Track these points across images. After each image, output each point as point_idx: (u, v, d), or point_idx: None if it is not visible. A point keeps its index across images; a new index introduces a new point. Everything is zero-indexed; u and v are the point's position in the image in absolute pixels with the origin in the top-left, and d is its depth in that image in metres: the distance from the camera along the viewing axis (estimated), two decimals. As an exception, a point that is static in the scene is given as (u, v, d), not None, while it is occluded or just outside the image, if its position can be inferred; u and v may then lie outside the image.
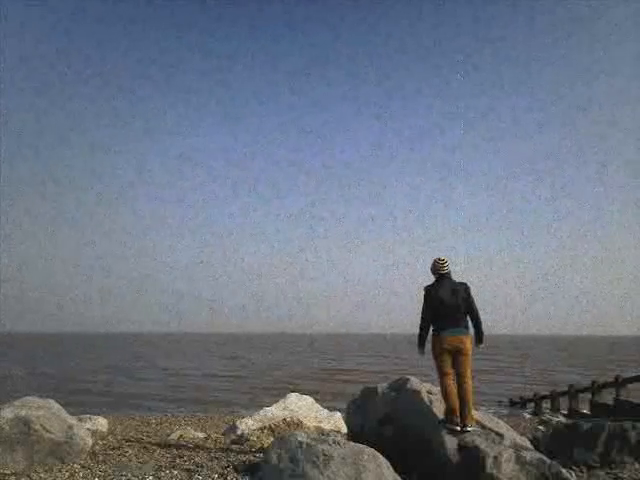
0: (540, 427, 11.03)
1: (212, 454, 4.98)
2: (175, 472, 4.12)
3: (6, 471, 4.15)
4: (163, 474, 4.06)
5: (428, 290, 4.63)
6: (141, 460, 4.65)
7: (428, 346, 4.66)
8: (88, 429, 6.44)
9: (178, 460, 4.63)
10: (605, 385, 13.41)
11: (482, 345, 4.62)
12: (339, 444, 3.77)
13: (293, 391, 9.69)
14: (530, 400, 18.05)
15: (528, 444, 4.50)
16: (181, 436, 7.36)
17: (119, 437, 6.95)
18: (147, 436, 8.00)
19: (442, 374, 4.49)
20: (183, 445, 5.77)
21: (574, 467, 4.77)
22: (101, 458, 4.72)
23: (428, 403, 4.72)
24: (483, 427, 4.41)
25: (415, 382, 5.01)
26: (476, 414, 4.52)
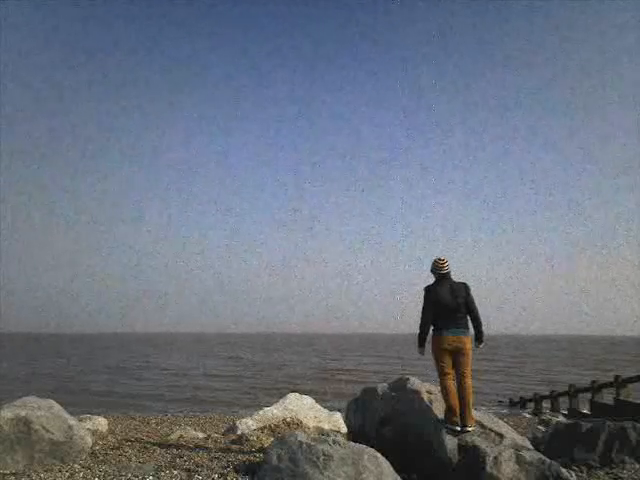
0: (540, 427, 11.04)
1: (212, 454, 4.97)
2: (175, 472, 4.11)
3: (6, 471, 4.15)
4: (163, 474, 4.05)
5: (428, 290, 4.63)
6: (141, 460, 4.65)
7: (428, 346, 4.66)
8: (88, 429, 6.44)
9: (178, 460, 4.62)
10: (605, 385, 13.42)
11: (482, 345, 4.62)
12: (339, 444, 3.77)
13: (293, 391, 9.69)
14: (530, 400, 18.07)
15: (528, 444, 4.50)
16: (181, 436, 7.35)
17: (119, 437, 6.94)
18: (147, 436, 8.00)
19: (442, 374, 4.49)
20: (183, 445, 5.76)
21: (574, 467, 4.76)
22: (101, 458, 4.71)
23: (428, 403, 4.72)
24: (483, 427, 4.41)
25: (415, 382, 5.00)
26: (476, 414, 4.52)
